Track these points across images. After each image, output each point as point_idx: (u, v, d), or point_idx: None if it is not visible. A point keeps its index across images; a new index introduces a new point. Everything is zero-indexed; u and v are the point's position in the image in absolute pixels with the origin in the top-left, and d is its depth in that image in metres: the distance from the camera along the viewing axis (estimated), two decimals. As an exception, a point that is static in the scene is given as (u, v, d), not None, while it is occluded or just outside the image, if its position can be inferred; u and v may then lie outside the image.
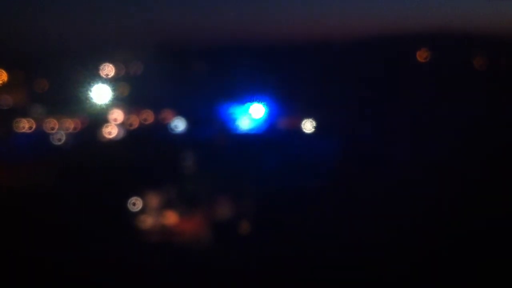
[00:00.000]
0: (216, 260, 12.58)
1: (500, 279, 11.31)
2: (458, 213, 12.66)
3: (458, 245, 12.10)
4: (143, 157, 14.15)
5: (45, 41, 13.83)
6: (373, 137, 14.19)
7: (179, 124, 14.78)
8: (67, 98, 14.52)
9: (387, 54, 14.86)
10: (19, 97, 14.86)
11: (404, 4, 15.93)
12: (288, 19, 15.15)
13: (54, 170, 13.92)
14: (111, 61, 14.77)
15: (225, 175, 13.85)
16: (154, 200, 13.75)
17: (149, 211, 13.68)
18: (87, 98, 14.37)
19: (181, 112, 14.83)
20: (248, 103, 14.60)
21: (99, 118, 14.65)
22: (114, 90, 14.69)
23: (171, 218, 13.71)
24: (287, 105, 14.63)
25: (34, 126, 14.52)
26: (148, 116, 14.92)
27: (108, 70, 14.74)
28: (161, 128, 14.90)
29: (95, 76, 14.50)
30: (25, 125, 14.44)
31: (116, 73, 14.90)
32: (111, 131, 14.71)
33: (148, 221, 13.62)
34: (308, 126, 14.72)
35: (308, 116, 14.70)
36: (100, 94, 14.49)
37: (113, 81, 14.75)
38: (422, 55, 15.24)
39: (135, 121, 14.89)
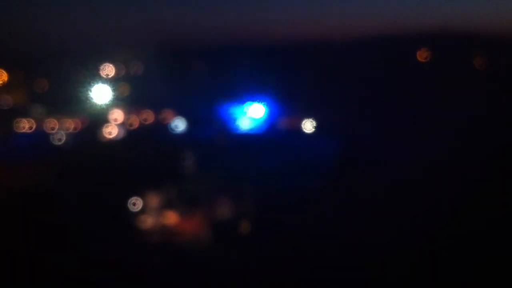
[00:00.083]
0: (216, 260, 12.56)
1: (500, 279, 11.29)
2: (458, 213, 12.64)
3: (458, 245, 12.08)
4: (143, 157, 14.15)
5: (45, 41, 13.84)
6: (373, 137, 14.19)
7: (179, 124, 14.78)
8: (67, 98, 14.52)
9: (387, 54, 14.87)
10: (19, 97, 14.86)
11: (404, 4, 15.97)
12: (288, 19, 15.18)
13: (54, 170, 13.92)
14: (111, 61, 14.78)
15: (225, 175, 13.85)
16: (154, 200, 13.74)
17: (149, 211, 13.67)
18: (87, 98, 14.37)
19: (181, 112, 14.83)
20: (248, 103, 14.60)
21: (99, 118, 14.65)
22: (114, 90, 14.69)
23: (171, 218, 13.71)
24: (287, 105, 14.63)
25: (34, 126, 14.52)
26: (148, 116, 14.92)
27: (108, 70, 14.74)
28: (161, 128, 14.91)
29: (95, 76, 14.50)
30: (25, 125, 14.44)
31: (116, 73, 14.91)
32: (111, 131, 14.71)
33: (148, 221, 13.61)
34: (308, 126, 14.72)
35: (308, 116, 14.70)
36: (100, 94, 14.49)
37: (113, 81, 14.75)
38: (422, 55, 15.25)
39: (135, 121, 14.89)
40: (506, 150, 13.37)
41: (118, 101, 14.80)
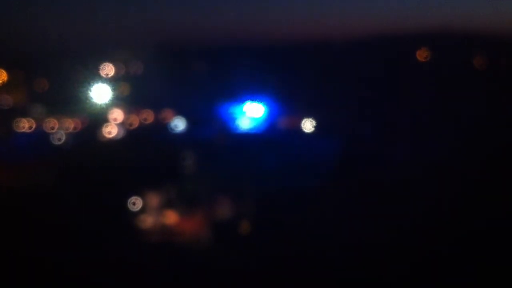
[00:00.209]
0: (216, 260, 12.57)
1: (500, 279, 11.30)
2: (458, 213, 12.64)
3: (458, 245, 12.08)
4: (142, 157, 14.15)
5: (45, 41, 13.84)
6: (373, 137, 14.19)
7: (179, 124, 14.78)
8: (67, 98, 14.52)
9: (387, 54, 14.87)
10: (19, 97, 14.86)
11: (404, 4, 15.96)
12: (288, 19, 15.17)
13: (54, 170, 13.91)
14: (111, 61, 14.77)
15: (225, 175, 13.85)
16: (154, 199, 13.75)
17: (149, 211, 13.67)
18: (87, 98, 14.37)
19: (181, 111, 14.83)
20: (248, 103, 14.60)
21: (99, 117, 14.65)
22: (114, 89, 14.69)
23: (171, 217, 13.71)
24: (287, 105, 14.63)
25: (34, 126, 14.52)
26: (148, 116, 14.92)
27: (108, 69, 14.74)
28: (161, 127, 14.90)
29: (95, 76, 14.49)
30: (25, 125, 14.44)
31: (116, 73, 14.90)
32: (111, 131, 14.71)
33: (148, 221, 13.61)
34: (308, 126, 14.72)
35: (308, 116, 14.70)
36: (100, 93, 14.48)
37: (113, 81, 14.74)
38: (422, 55, 15.24)
39: (135, 121, 14.89)
40: (506, 150, 13.37)
41: (118, 101, 14.80)
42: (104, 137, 14.71)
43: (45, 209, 12.94)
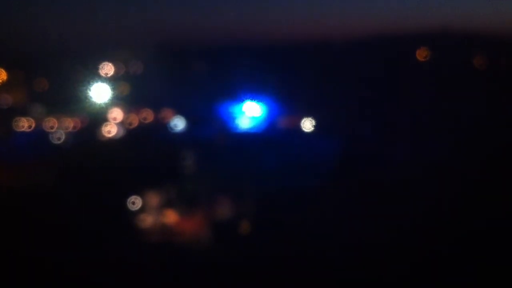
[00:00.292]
0: (216, 260, 12.56)
1: (500, 279, 11.31)
2: (458, 213, 12.65)
3: (458, 245, 12.09)
4: (142, 156, 14.15)
5: (45, 41, 13.83)
6: (373, 137, 14.19)
7: (178, 123, 14.78)
8: (67, 97, 14.52)
9: (387, 54, 14.87)
10: (19, 96, 14.86)
11: (404, 4, 15.96)
12: (288, 19, 15.18)
13: (53, 169, 13.91)
14: (111, 61, 14.76)
15: (225, 174, 13.85)
16: (153, 199, 13.74)
17: (149, 210, 13.67)
18: (87, 97, 14.37)
19: (180, 111, 14.82)
20: (248, 103, 14.60)
21: (99, 117, 14.65)
22: (113, 89, 14.68)
23: (170, 217, 13.71)
24: (287, 105, 14.63)
25: (33, 125, 14.51)
26: (148, 115, 14.91)
27: (108, 69, 14.73)
28: (161, 127, 14.90)
29: (94, 75, 14.48)
30: (24, 124, 14.43)
31: (116, 73, 14.89)
32: (110, 130, 14.70)
33: (147, 221, 13.61)
34: (308, 125, 14.72)
35: (308, 115, 14.70)
36: (100, 93, 14.48)
37: (112, 80, 14.74)
38: (422, 55, 15.24)
39: (135, 120, 14.88)
40: (506, 150, 13.38)
41: (117, 100, 14.79)
42: (103, 136, 14.71)
43: (44, 208, 12.93)
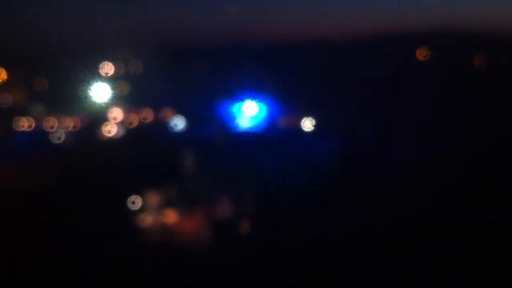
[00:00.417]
0: (216, 259, 12.57)
1: (500, 279, 11.31)
2: (458, 213, 12.66)
3: (458, 245, 12.10)
4: (142, 156, 14.15)
5: (45, 41, 13.83)
6: (373, 137, 14.20)
7: (178, 123, 14.78)
8: (67, 97, 14.53)
9: (387, 54, 14.87)
10: (19, 96, 14.86)
11: (404, 4, 15.96)
12: (288, 19, 15.18)
13: (53, 169, 13.92)
14: (110, 60, 14.76)
15: (225, 174, 13.85)
16: (153, 199, 13.75)
17: (149, 210, 13.67)
18: (87, 97, 14.37)
19: (180, 111, 14.82)
20: (248, 103, 14.60)
21: (99, 116, 14.65)
22: (113, 89, 14.68)
23: (170, 217, 13.71)
24: (287, 104, 14.64)
25: (33, 125, 14.52)
26: (148, 115, 14.91)
27: (108, 69, 14.73)
28: (161, 127, 14.90)
29: (94, 75, 14.49)
30: (25, 124, 14.44)
31: (116, 72, 14.90)
32: (110, 130, 14.71)
33: (147, 220, 13.61)
34: (307, 125, 14.72)
35: (308, 115, 14.70)
36: (100, 92, 14.49)
37: (112, 80, 14.74)
38: (422, 55, 15.25)
39: (135, 120, 14.88)
40: (506, 150, 13.39)
41: (117, 100, 14.79)
42: (103, 136, 14.71)
43: (44, 208, 12.94)
